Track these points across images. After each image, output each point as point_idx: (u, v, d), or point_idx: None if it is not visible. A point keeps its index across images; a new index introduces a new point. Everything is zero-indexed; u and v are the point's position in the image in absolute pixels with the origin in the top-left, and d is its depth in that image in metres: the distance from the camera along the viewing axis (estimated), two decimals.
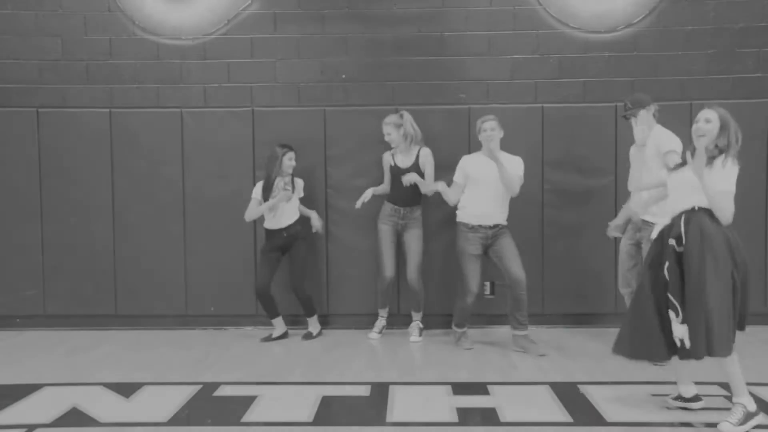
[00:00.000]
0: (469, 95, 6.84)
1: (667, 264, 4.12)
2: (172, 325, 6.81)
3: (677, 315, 4.09)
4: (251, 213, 6.34)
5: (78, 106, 6.88)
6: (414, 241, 6.29)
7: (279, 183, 6.27)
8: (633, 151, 5.63)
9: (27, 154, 6.79)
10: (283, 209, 6.30)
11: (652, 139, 5.37)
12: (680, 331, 4.09)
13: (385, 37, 6.89)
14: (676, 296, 4.08)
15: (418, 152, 6.29)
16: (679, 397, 4.45)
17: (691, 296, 4.03)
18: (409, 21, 6.87)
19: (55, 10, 6.91)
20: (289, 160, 6.31)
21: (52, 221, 6.80)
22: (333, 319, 6.80)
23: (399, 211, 6.31)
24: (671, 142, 5.28)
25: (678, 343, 4.13)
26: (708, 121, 4.17)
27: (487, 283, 6.60)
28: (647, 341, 4.20)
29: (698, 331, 3.99)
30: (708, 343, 3.98)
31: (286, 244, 6.35)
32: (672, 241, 4.12)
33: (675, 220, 4.18)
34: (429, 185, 6.19)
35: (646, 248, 5.32)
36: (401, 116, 6.29)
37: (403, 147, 6.28)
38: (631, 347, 4.26)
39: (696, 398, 4.42)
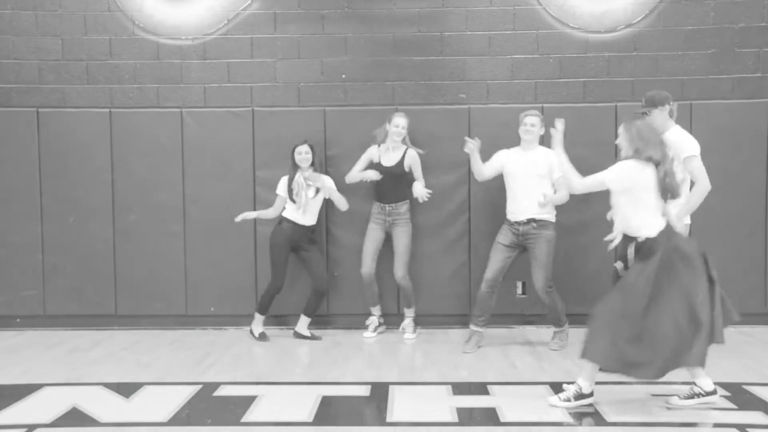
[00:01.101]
0: (469, 95, 6.84)
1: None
2: (172, 325, 6.80)
3: None
4: (275, 210, 6.37)
5: (78, 106, 6.88)
6: (400, 238, 6.30)
7: (299, 178, 6.27)
8: None
9: (27, 154, 6.78)
10: (310, 205, 6.30)
11: (669, 141, 5.09)
12: None
13: (385, 37, 6.89)
14: None
15: (405, 152, 6.29)
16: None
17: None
18: (409, 21, 6.87)
19: (55, 10, 6.91)
20: (298, 155, 6.30)
21: (52, 221, 6.79)
22: (333, 319, 6.80)
23: (385, 209, 6.31)
24: (692, 146, 5.07)
25: None
26: (618, 135, 4.63)
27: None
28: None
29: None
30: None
31: (302, 242, 6.35)
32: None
33: None
34: (421, 189, 6.14)
35: None
36: (406, 119, 6.30)
37: (397, 145, 6.29)
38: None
39: (591, 394, 4.49)
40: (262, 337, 6.36)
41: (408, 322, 6.44)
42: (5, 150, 6.80)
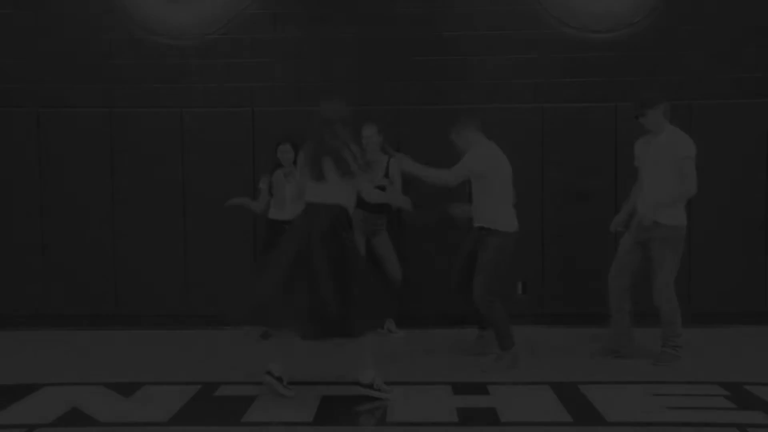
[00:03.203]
0: (469, 95, 6.83)
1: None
2: (171, 325, 6.81)
3: None
4: (260, 204, 6.36)
5: (78, 106, 6.88)
6: (384, 244, 6.35)
7: (279, 175, 6.28)
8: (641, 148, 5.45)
9: (27, 154, 6.79)
10: (286, 201, 6.30)
11: (667, 141, 5.22)
12: None
13: (385, 37, 6.89)
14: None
15: (388, 163, 6.18)
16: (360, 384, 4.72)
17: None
18: (409, 21, 6.87)
19: (55, 10, 6.91)
20: (281, 153, 6.28)
21: (52, 221, 6.80)
22: None
23: (369, 218, 6.28)
24: (690, 147, 5.14)
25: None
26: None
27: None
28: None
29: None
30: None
31: None
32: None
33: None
34: (398, 198, 5.42)
35: (655, 250, 5.26)
36: (373, 127, 6.20)
37: (377, 157, 6.17)
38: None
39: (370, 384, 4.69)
40: (265, 335, 6.38)
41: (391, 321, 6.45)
42: (5, 150, 6.81)
